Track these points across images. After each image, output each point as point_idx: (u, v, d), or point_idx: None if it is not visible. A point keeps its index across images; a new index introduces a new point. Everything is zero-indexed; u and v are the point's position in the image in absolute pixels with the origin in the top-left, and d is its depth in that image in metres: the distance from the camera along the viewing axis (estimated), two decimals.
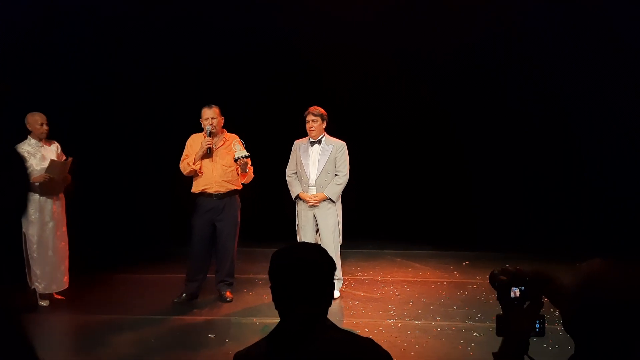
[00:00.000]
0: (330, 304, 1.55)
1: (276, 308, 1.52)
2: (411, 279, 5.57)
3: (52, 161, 4.64)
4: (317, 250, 1.55)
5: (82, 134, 6.25)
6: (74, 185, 4.95)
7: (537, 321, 1.41)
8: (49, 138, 4.79)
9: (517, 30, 6.50)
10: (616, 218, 6.52)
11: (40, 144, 4.73)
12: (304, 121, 4.92)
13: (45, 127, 4.69)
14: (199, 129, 4.85)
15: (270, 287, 1.53)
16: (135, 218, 7.07)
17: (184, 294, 4.85)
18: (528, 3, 6.31)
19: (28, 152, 4.68)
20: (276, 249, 1.56)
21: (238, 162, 4.69)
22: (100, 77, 6.73)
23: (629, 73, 6.29)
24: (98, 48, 6.61)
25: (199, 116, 4.82)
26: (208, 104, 4.80)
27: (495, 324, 1.44)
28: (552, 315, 3.58)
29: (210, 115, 4.74)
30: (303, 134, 5.02)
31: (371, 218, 7.31)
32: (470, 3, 6.38)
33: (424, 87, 7.00)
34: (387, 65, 6.96)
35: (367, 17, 6.48)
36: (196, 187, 4.83)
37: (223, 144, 4.82)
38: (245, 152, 4.69)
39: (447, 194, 7.25)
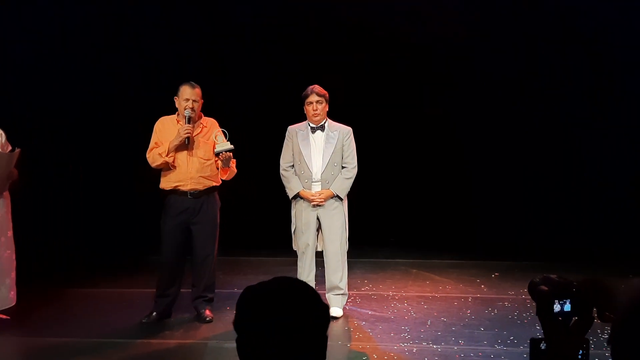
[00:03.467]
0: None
1: None
2: (429, 294, 5.57)
3: None
4: (303, 290, 1.38)
5: (26, 122, 6.35)
6: (22, 182, 4.94)
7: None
8: None
9: (518, 30, 6.98)
10: None
11: None
12: (297, 102, 4.89)
13: None
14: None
15: (238, 340, 1.37)
16: (95, 220, 7.07)
17: (154, 312, 4.84)
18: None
19: None
20: (244, 290, 1.39)
21: (220, 157, 4.64)
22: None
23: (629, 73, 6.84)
24: (87, 41, 6.91)
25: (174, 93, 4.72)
26: (189, 81, 4.69)
27: (529, 349, 1.43)
28: (600, 337, 3.56)
29: (192, 97, 4.64)
30: (296, 117, 4.98)
31: (381, 220, 7.32)
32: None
33: (432, 87, 7.31)
34: (388, 64, 7.31)
35: (368, 14, 6.98)
36: (166, 183, 4.76)
37: (201, 132, 4.75)
38: (229, 145, 4.63)
39: (471, 190, 7.30)
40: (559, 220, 7.11)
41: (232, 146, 4.66)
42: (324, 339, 1.37)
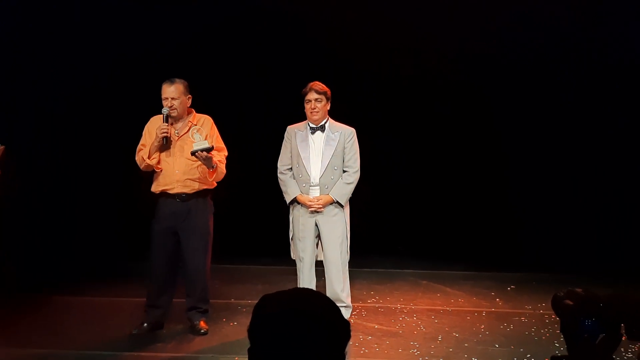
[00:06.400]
0: None
1: None
2: (440, 307, 5.58)
3: None
4: (324, 303, 1.40)
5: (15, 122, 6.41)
6: (5, 181, 4.94)
7: None
8: None
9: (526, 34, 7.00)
10: None
11: None
12: (298, 101, 4.87)
13: None
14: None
15: (250, 350, 1.39)
16: (81, 223, 7.07)
17: (145, 324, 4.83)
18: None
19: None
20: (261, 298, 1.42)
21: (197, 156, 4.58)
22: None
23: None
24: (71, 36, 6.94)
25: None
26: (170, 78, 4.71)
27: None
28: (626, 356, 3.54)
29: (170, 94, 4.66)
30: (298, 117, 4.97)
31: (388, 227, 7.31)
32: None
33: (452, 68, 7.29)
34: (398, 65, 7.36)
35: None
36: (156, 187, 4.78)
37: (188, 131, 4.74)
38: (206, 144, 4.59)
39: (485, 195, 7.28)
40: (583, 228, 7.01)
41: (210, 145, 4.61)
42: (342, 357, 1.36)
